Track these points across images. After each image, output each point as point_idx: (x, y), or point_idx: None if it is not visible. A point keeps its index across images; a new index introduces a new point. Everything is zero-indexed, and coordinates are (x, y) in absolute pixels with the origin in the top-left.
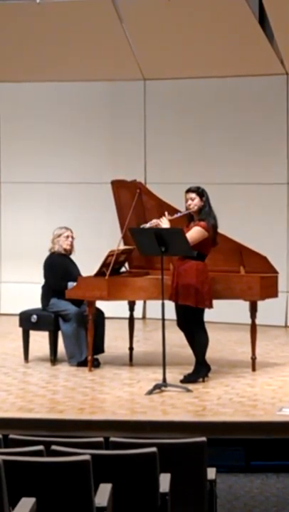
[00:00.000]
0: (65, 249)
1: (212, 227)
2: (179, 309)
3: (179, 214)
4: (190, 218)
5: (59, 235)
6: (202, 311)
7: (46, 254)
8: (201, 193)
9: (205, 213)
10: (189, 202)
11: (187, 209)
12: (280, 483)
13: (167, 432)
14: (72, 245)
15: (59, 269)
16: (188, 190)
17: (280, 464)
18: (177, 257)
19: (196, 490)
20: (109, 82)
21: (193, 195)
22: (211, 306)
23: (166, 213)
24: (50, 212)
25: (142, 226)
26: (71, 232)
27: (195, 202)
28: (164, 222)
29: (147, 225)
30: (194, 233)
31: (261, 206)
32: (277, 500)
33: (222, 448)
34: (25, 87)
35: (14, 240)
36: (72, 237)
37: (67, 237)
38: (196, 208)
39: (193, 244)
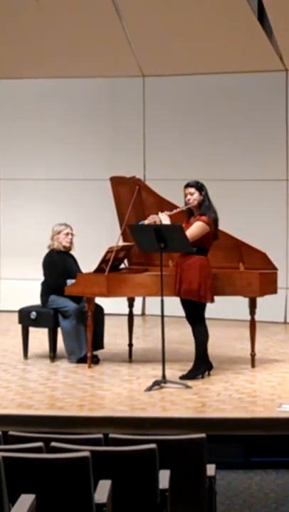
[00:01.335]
0: (64, 247)
1: (213, 221)
2: (185, 304)
3: (178, 209)
4: (190, 213)
5: (58, 232)
6: (204, 306)
7: (46, 250)
8: (200, 187)
9: (205, 207)
10: (188, 197)
11: (186, 204)
12: (279, 479)
13: (167, 428)
14: (71, 242)
15: (58, 266)
16: (187, 185)
17: (279, 461)
18: (179, 253)
19: (196, 486)
20: (108, 78)
21: (192, 189)
22: (212, 300)
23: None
24: (50, 208)
25: (140, 222)
26: (71, 229)
27: (194, 196)
28: (164, 218)
29: (146, 222)
30: (196, 228)
31: (261, 202)
32: (277, 497)
33: (221, 444)
34: (24, 84)
35: (13, 237)
36: (72, 234)
37: (67, 234)
38: (195, 202)
39: (194, 239)
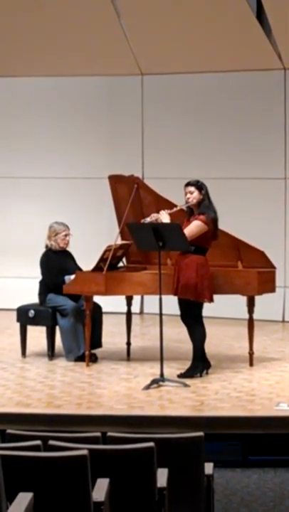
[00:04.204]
0: (61, 247)
1: (212, 221)
2: (180, 303)
3: (177, 208)
4: (190, 212)
5: (57, 234)
6: (200, 306)
7: (44, 249)
8: (200, 186)
9: (204, 207)
10: (188, 195)
11: (186, 203)
12: (277, 477)
13: (165, 426)
14: (68, 242)
15: (55, 265)
16: (188, 184)
17: (277, 459)
18: (178, 252)
19: (194, 485)
20: (106, 77)
21: (192, 188)
22: (211, 300)
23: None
24: (48, 207)
25: (142, 221)
26: (68, 229)
27: (194, 195)
28: (165, 217)
29: (147, 220)
30: (193, 227)
31: (259, 201)
32: (275, 495)
33: (219, 443)
34: (23, 82)
35: (11, 235)
36: (70, 234)
37: (66, 235)
38: (195, 201)
39: (192, 238)
